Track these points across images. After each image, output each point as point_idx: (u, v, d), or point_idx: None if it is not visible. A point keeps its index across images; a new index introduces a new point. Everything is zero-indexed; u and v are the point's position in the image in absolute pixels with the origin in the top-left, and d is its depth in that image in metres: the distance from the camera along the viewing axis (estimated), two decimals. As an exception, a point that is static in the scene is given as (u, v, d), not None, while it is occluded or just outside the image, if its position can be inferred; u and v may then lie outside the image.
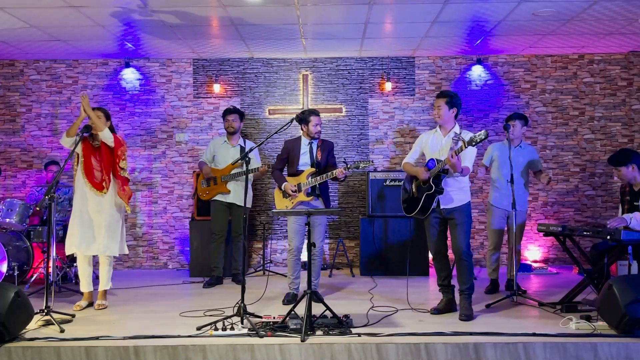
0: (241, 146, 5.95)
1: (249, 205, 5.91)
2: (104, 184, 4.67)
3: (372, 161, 5.01)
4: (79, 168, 4.71)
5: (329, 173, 4.82)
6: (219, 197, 5.91)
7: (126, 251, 4.92)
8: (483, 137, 4.00)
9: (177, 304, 4.90)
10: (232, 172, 5.82)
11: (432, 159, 4.33)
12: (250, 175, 5.81)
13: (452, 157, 4.06)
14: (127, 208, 4.83)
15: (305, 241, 4.99)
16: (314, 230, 4.76)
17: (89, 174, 4.66)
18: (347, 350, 3.54)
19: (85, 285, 4.77)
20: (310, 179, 4.90)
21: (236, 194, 5.85)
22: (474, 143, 4.04)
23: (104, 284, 4.80)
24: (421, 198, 4.34)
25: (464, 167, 4.19)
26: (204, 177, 5.99)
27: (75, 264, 5.59)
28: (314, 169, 4.94)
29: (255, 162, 5.84)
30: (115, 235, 4.76)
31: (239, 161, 5.64)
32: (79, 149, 4.71)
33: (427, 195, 4.30)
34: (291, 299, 4.87)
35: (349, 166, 4.74)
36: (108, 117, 4.83)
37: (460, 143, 4.07)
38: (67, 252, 4.75)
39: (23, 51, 6.77)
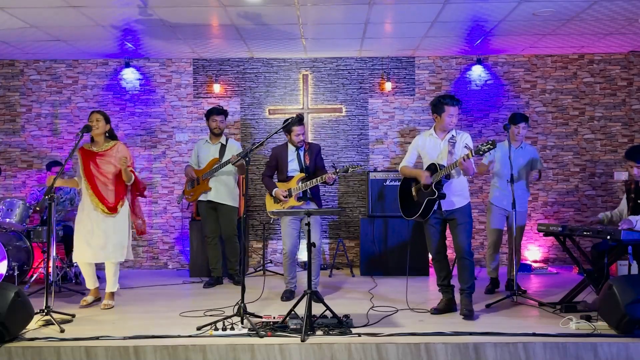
0: (222, 144, 5.83)
1: (236, 205, 5.88)
2: (118, 206, 4.70)
3: (361, 165, 5.08)
4: (85, 188, 4.71)
5: (319, 178, 4.86)
6: (202, 197, 5.80)
7: (131, 256, 4.91)
8: (491, 147, 4.03)
9: (177, 304, 4.90)
10: (212, 168, 5.73)
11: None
12: (235, 171, 5.78)
13: (464, 160, 4.07)
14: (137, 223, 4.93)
15: (299, 244, 5.09)
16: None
17: (97, 194, 4.66)
18: (347, 350, 3.54)
19: (91, 283, 4.83)
20: (300, 184, 4.95)
21: (217, 191, 5.76)
22: (481, 152, 4.08)
23: (111, 286, 4.81)
24: (422, 202, 4.34)
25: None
26: (188, 180, 5.91)
27: (75, 264, 5.61)
28: (303, 174, 5.01)
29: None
30: (123, 242, 4.78)
31: (239, 159, 5.54)
32: (79, 161, 4.72)
33: (429, 199, 4.31)
34: (289, 295, 4.94)
35: (337, 171, 4.80)
36: (107, 120, 4.83)
37: (467, 151, 4.11)
38: (75, 260, 4.81)
39: (23, 51, 6.77)
